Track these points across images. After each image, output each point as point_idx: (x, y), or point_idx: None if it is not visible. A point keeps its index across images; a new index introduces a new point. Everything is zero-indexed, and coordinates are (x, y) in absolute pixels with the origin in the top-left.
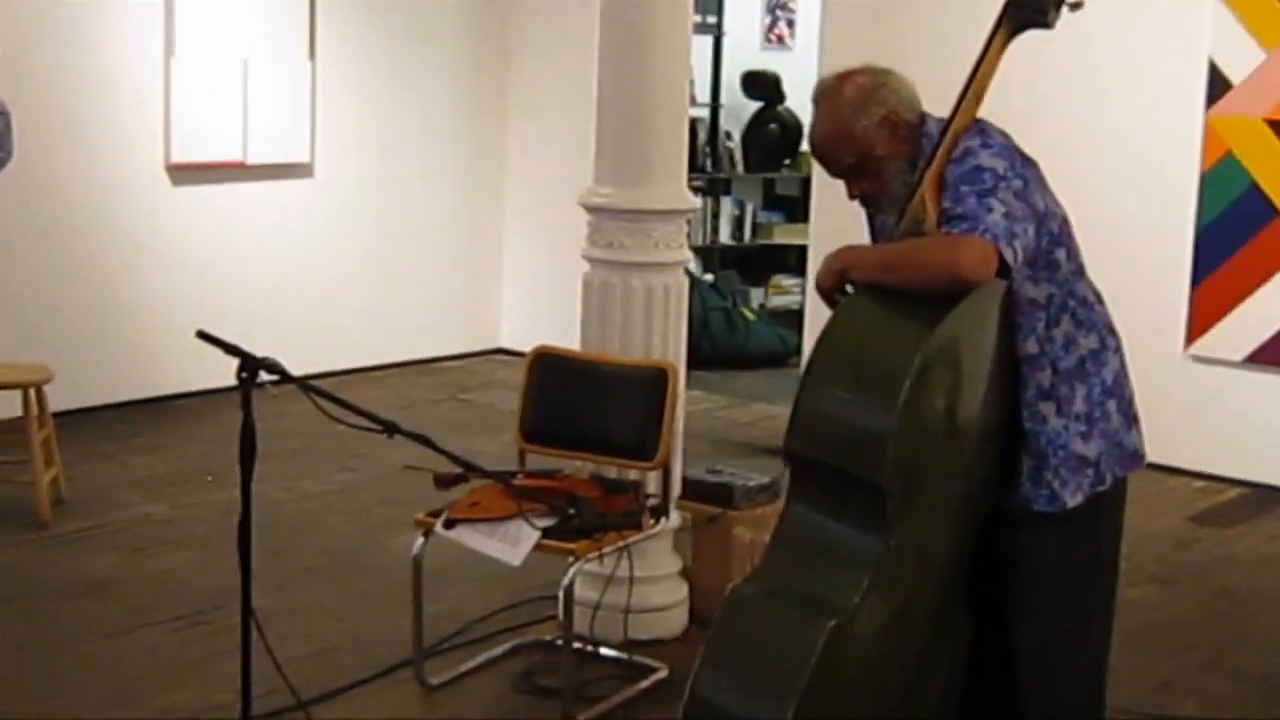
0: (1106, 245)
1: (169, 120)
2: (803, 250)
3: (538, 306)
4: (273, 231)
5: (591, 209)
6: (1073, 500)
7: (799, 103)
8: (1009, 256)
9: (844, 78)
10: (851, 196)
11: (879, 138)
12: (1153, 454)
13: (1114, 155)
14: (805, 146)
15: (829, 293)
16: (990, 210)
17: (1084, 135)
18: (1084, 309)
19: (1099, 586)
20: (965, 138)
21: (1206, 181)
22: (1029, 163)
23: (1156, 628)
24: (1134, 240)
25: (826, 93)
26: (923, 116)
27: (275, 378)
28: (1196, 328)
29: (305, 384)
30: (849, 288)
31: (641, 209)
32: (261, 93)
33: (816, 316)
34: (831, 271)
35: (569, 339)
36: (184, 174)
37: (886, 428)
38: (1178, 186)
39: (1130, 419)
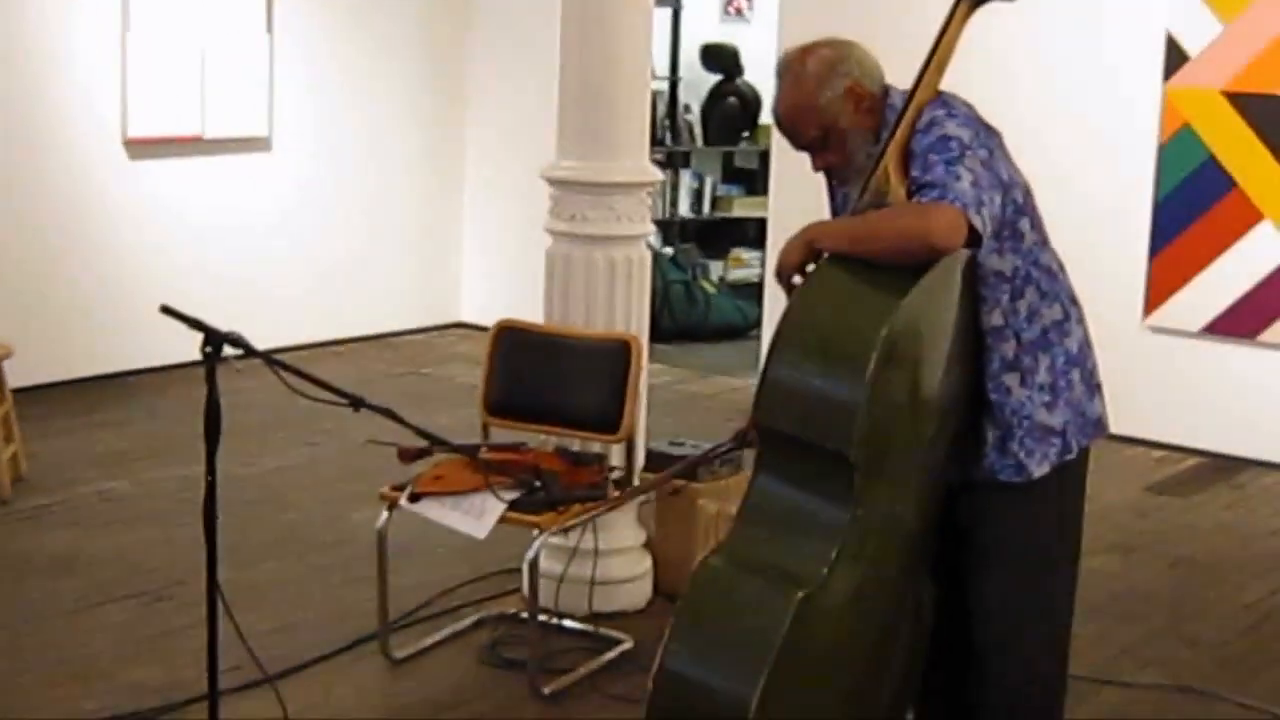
0: (1065, 216)
1: (126, 95)
2: (762, 223)
3: (497, 280)
4: (231, 206)
5: (554, 182)
6: (1039, 470)
7: (758, 76)
8: (978, 224)
9: (807, 51)
10: (816, 169)
11: (843, 110)
12: (1111, 424)
13: (1073, 127)
14: (764, 119)
15: (795, 269)
16: (959, 178)
17: (1044, 107)
18: (1048, 279)
19: (1063, 554)
20: (929, 108)
21: (1164, 153)
22: (992, 133)
23: (1115, 596)
24: (1092, 211)
25: (790, 66)
26: (886, 89)
27: (240, 352)
28: (1155, 298)
29: (270, 358)
30: (809, 268)
31: (604, 182)
32: (219, 67)
33: (776, 289)
34: (798, 245)
35: (528, 313)
36: (141, 149)
37: (854, 400)
38: (1136, 158)
39: (1093, 388)
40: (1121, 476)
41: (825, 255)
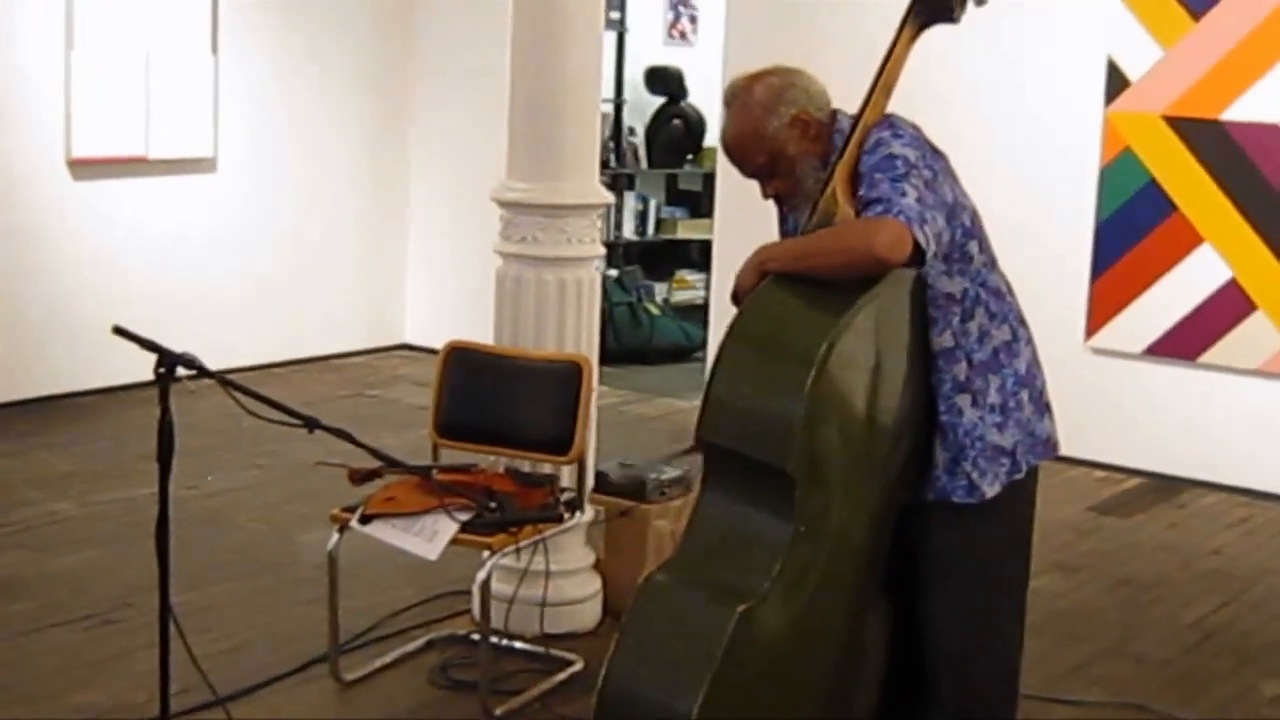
0: (1009, 238)
1: (69, 114)
2: (706, 245)
3: (442, 302)
4: (176, 227)
5: (505, 204)
6: (991, 490)
7: (702, 98)
8: (921, 239)
9: (754, 79)
10: (766, 196)
11: (790, 137)
12: None
13: (1016, 149)
14: (709, 142)
15: (749, 292)
16: (904, 194)
17: (988, 129)
18: (996, 301)
19: (1014, 572)
20: (876, 130)
21: (1106, 177)
22: (938, 154)
23: (1061, 615)
24: (1035, 233)
25: (737, 94)
26: (834, 114)
27: (193, 373)
28: (1096, 320)
29: (225, 379)
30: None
31: (555, 204)
32: (163, 87)
33: (721, 311)
34: (751, 267)
35: (472, 334)
36: (85, 169)
37: (792, 414)
38: (1078, 181)
39: (1042, 407)
40: (1065, 496)
41: (773, 275)
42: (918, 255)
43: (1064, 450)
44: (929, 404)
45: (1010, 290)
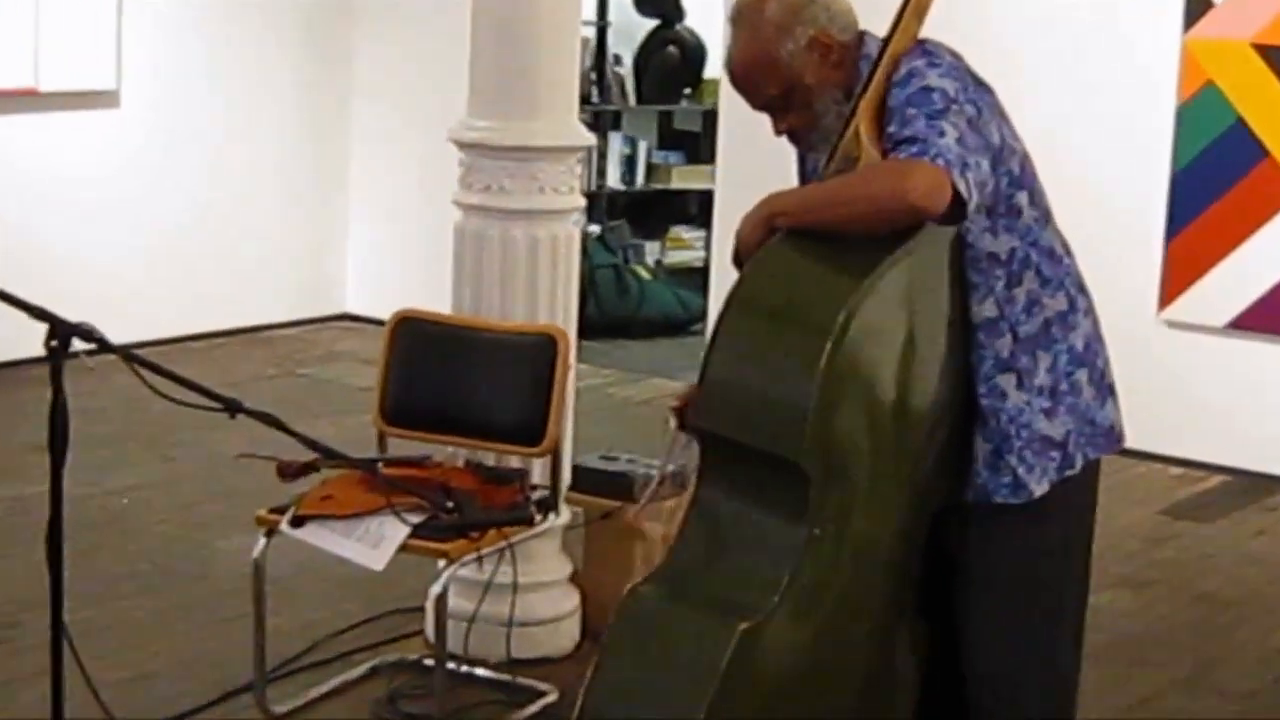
0: (1067, 189)
1: None
2: (706, 196)
3: (390, 263)
4: (71, 173)
5: (465, 146)
6: (1039, 488)
7: (702, 20)
8: (962, 187)
9: None
10: (778, 132)
11: (807, 63)
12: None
13: (1075, 87)
14: (711, 72)
15: (755, 251)
16: (942, 134)
17: (1041, 63)
18: (1050, 263)
19: (1067, 589)
20: (908, 58)
21: (1183, 117)
22: (983, 88)
23: (1128, 639)
24: (1099, 184)
25: (745, 12)
26: (860, 36)
27: (92, 347)
28: (1171, 289)
29: (130, 355)
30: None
31: (525, 145)
32: (56, 7)
33: (723, 275)
34: (756, 220)
35: (429, 302)
36: None
37: (804, 397)
38: (1150, 124)
39: (1105, 391)
40: (1132, 497)
41: (783, 230)
42: (957, 207)
43: (1131, 442)
44: (969, 386)
45: (1068, 251)
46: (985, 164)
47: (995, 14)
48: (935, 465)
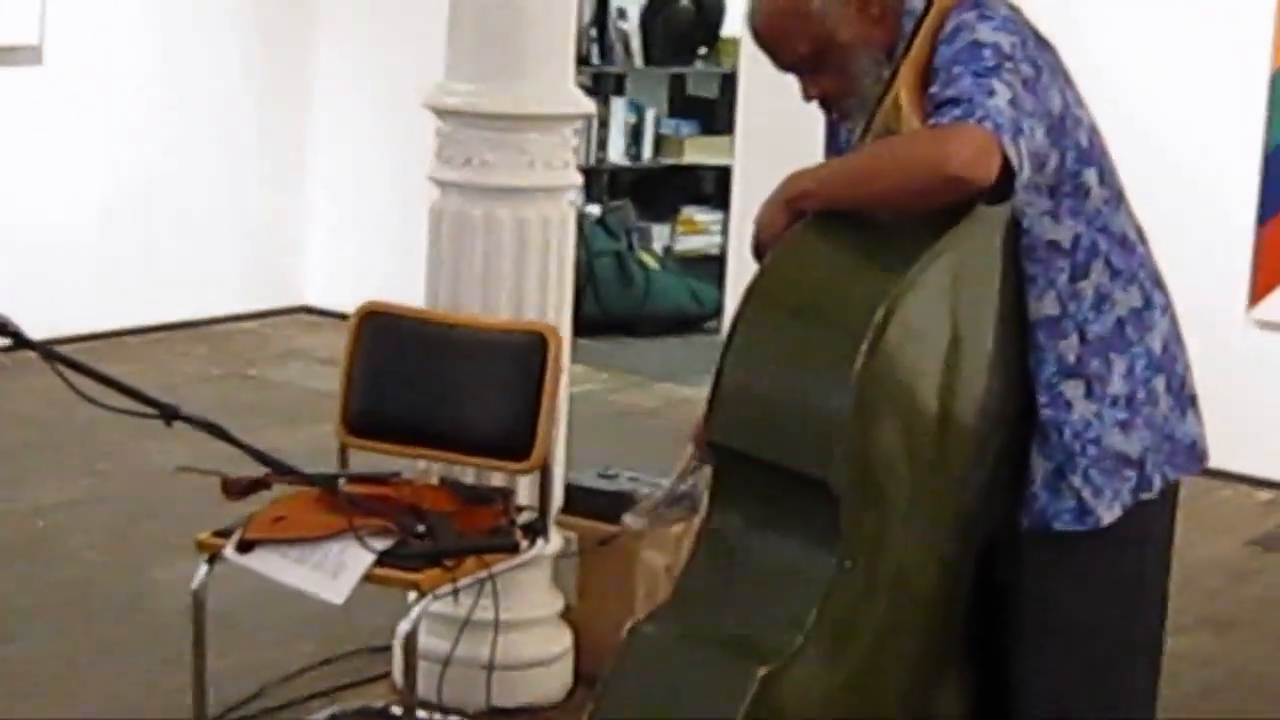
0: (1144, 169)
1: None
2: (724, 173)
3: (355, 249)
4: None
5: (443, 113)
6: (1109, 513)
7: None
8: (1013, 155)
9: None
10: (808, 98)
11: (844, 17)
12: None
13: (1153, 49)
14: (728, 29)
15: (778, 239)
16: (991, 93)
17: (1111, 20)
18: (1122, 253)
19: (1141, 629)
20: (957, 10)
21: (1279, 85)
22: (1043, 45)
23: (1211, 689)
24: (1180, 164)
25: None
26: None
27: (7, 343)
28: (1263, 282)
29: (51, 351)
30: None
31: (513, 114)
32: None
33: (743, 264)
34: (776, 204)
35: (399, 293)
36: None
37: (836, 405)
38: (1240, 93)
39: (1185, 401)
40: (1217, 525)
41: (808, 215)
42: (1006, 181)
43: (1218, 461)
44: (1027, 395)
45: (1142, 238)
46: (1041, 132)
47: None
48: (985, 486)
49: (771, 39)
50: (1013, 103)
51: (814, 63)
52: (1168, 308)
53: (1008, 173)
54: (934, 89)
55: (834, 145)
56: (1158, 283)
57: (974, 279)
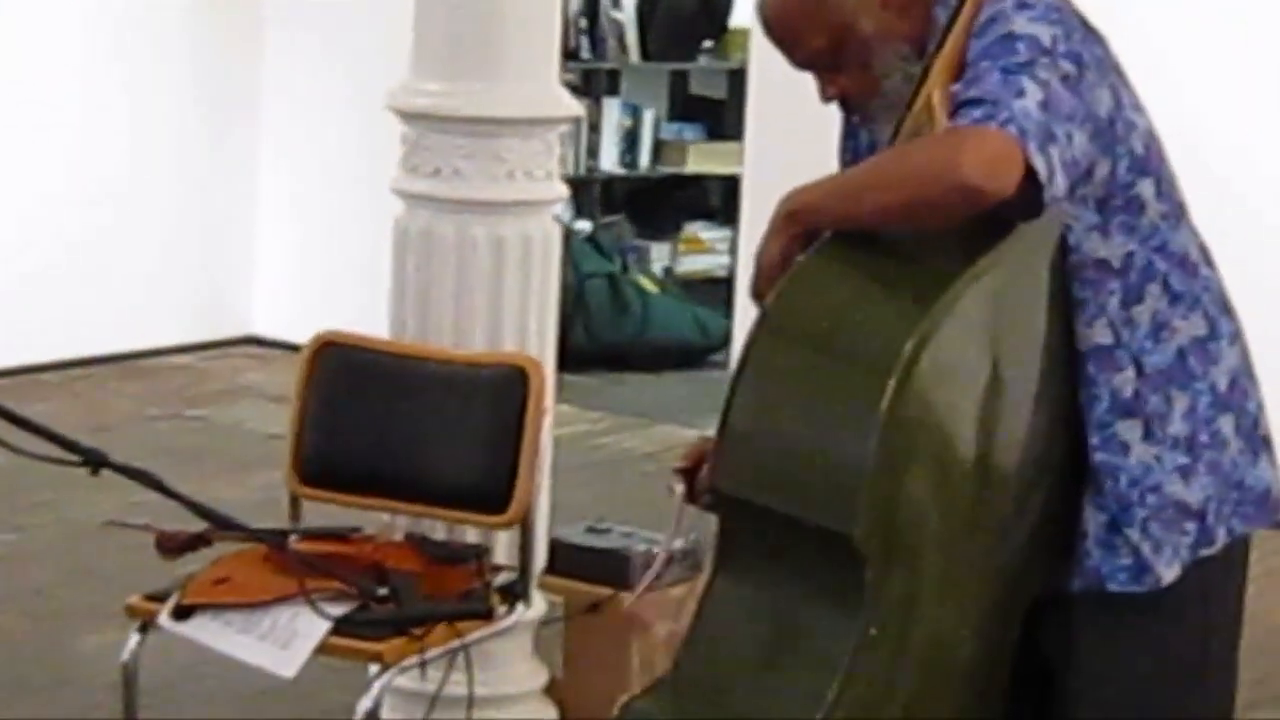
0: (1205, 182)
1: None
2: (732, 184)
3: (311, 273)
4: None
5: (409, 116)
6: (1169, 572)
7: None
8: (1039, 165)
9: None
10: (826, 98)
11: (865, 5)
12: None
13: (1217, 42)
14: (737, 20)
15: (779, 269)
16: (1020, 93)
17: (1174, 21)
18: (1182, 274)
19: (1204, 706)
20: (993, 1)
21: None
22: (1092, 36)
23: None
24: (1249, 176)
25: None
26: None
27: None
28: None
29: None
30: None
31: (488, 117)
32: None
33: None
34: (776, 226)
35: (362, 322)
36: None
37: (860, 450)
38: None
39: (1258, 443)
40: None
41: (823, 237)
42: (1033, 194)
43: None
44: (1076, 440)
45: (1207, 259)
46: (1083, 137)
47: None
48: (1028, 543)
49: (784, 31)
50: (1044, 105)
51: (832, 58)
52: (1237, 337)
53: (1035, 184)
54: (956, 86)
55: (848, 152)
56: (1225, 308)
57: (1016, 307)
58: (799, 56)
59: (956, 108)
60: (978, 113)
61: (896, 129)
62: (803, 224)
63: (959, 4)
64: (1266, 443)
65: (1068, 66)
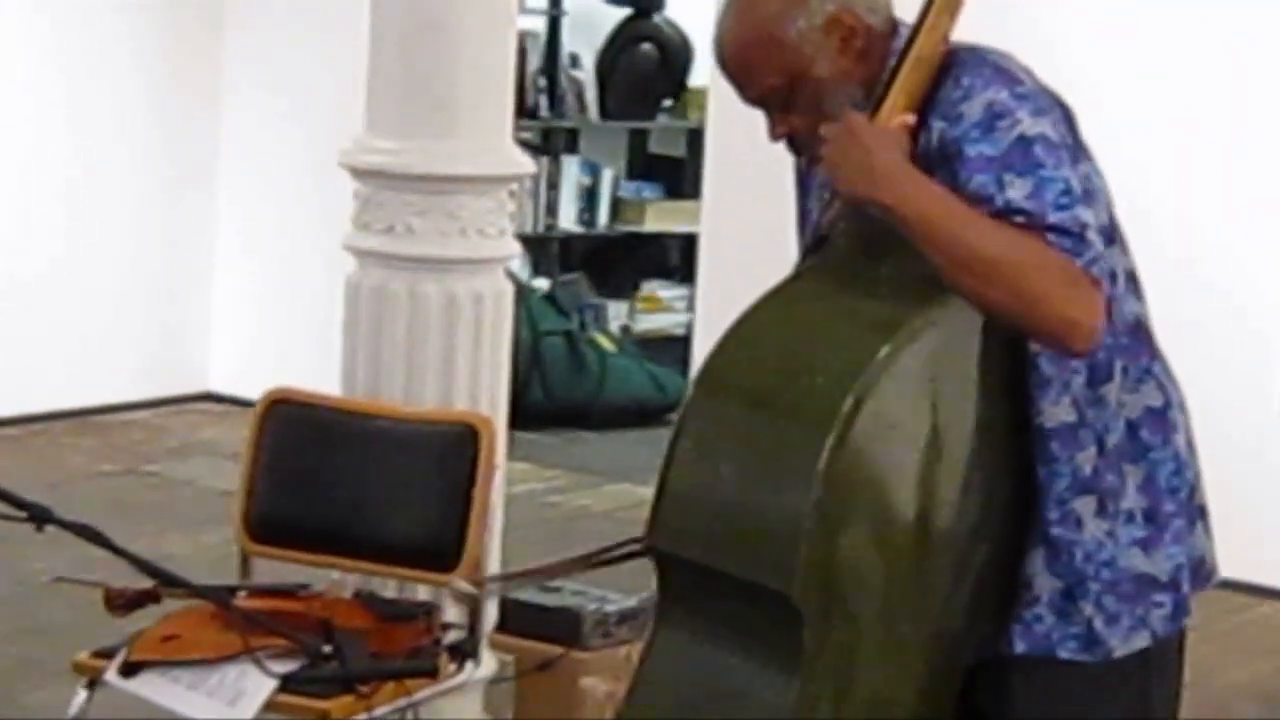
0: (1142, 233)
1: None
2: (690, 242)
3: (269, 329)
4: None
5: (362, 173)
6: (1123, 645)
7: (687, 8)
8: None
9: None
10: (775, 137)
11: (822, 49)
12: (1231, 566)
13: (1158, 94)
14: (696, 79)
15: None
16: (1083, 227)
17: (1111, 59)
18: (1134, 342)
19: None
20: (970, 77)
21: None
22: (1067, 112)
23: None
24: (1187, 224)
25: None
26: (893, 25)
27: None
28: None
29: None
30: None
31: (441, 174)
32: None
33: (711, 346)
34: (866, 199)
35: (316, 379)
36: None
37: (798, 507)
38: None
39: (1194, 512)
40: (1249, 648)
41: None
42: None
43: (1247, 574)
44: (1015, 498)
45: (1150, 326)
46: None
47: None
48: (969, 603)
49: (740, 68)
50: (1102, 231)
51: (785, 97)
52: (1184, 404)
53: None
54: (982, 184)
55: (804, 196)
56: (1170, 375)
57: (954, 363)
58: (752, 94)
59: (1031, 221)
60: (1067, 244)
61: None
62: (879, 197)
63: (898, 64)
64: (1203, 511)
65: (1085, 168)
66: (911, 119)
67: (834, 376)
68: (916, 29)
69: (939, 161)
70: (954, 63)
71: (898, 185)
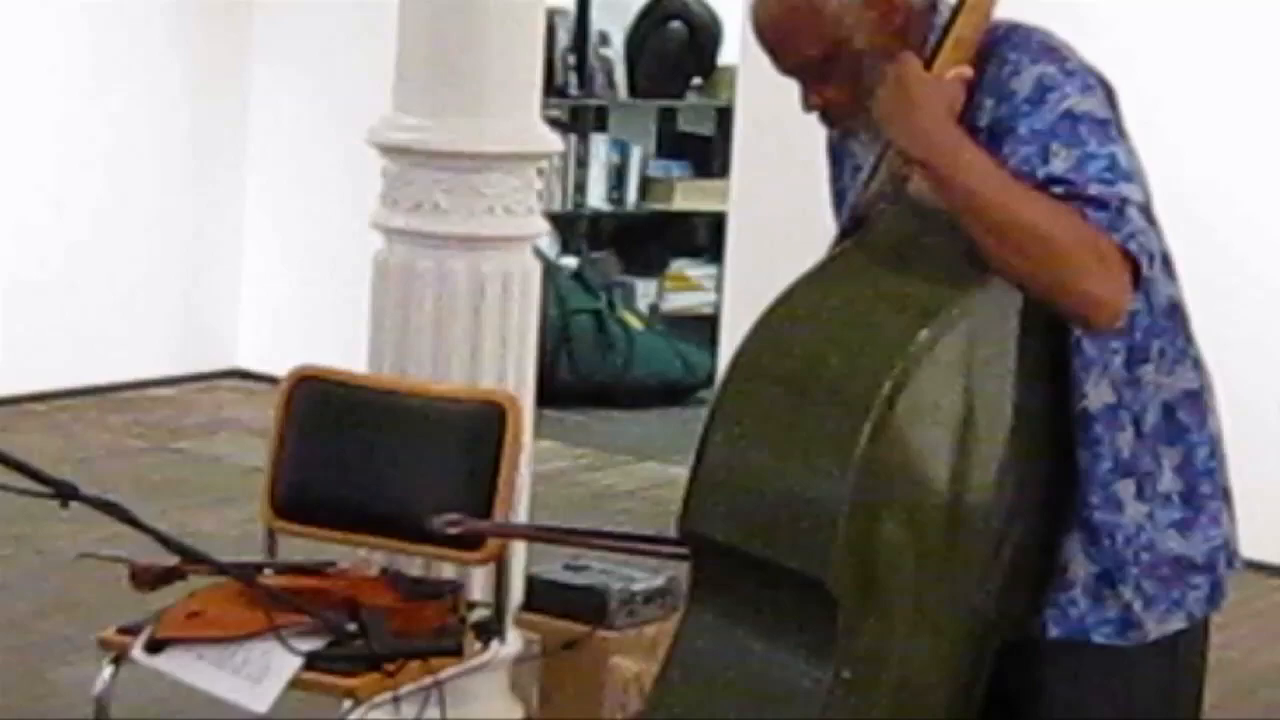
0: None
1: None
2: (718, 221)
3: (294, 307)
4: None
5: (389, 151)
6: (1158, 628)
7: None
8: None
9: None
10: (808, 107)
11: (863, 21)
12: (1261, 548)
13: (1189, 75)
14: (725, 57)
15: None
16: (1124, 201)
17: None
18: (1175, 328)
19: None
20: (1018, 53)
21: None
22: (1111, 92)
23: None
24: (1216, 208)
25: None
26: (934, 2)
27: None
28: None
29: None
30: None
31: (469, 152)
32: None
33: (738, 325)
34: (908, 157)
35: (344, 356)
36: None
37: (834, 492)
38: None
39: (1222, 495)
40: (1274, 629)
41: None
42: None
43: (1272, 554)
44: (1049, 482)
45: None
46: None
47: None
48: (1002, 589)
49: (777, 37)
50: (1144, 209)
51: (821, 68)
52: (1213, 387)
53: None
54: (1058, 166)
55: (838, 173)
56: (1201, 358)
57: (989, 346)
58: (788, 63)
59: (1071, 190)
60: (1103, 217)
61: (879, 156)
62: (932, 173)
63: (939, 42)
64: (1226, 494)
65: (1128, 144)
66: (968, 71)
67: (872, 361)
68: (958, 8)
69: (990, 139)
70: (999, 39)
71: (939, 142)
